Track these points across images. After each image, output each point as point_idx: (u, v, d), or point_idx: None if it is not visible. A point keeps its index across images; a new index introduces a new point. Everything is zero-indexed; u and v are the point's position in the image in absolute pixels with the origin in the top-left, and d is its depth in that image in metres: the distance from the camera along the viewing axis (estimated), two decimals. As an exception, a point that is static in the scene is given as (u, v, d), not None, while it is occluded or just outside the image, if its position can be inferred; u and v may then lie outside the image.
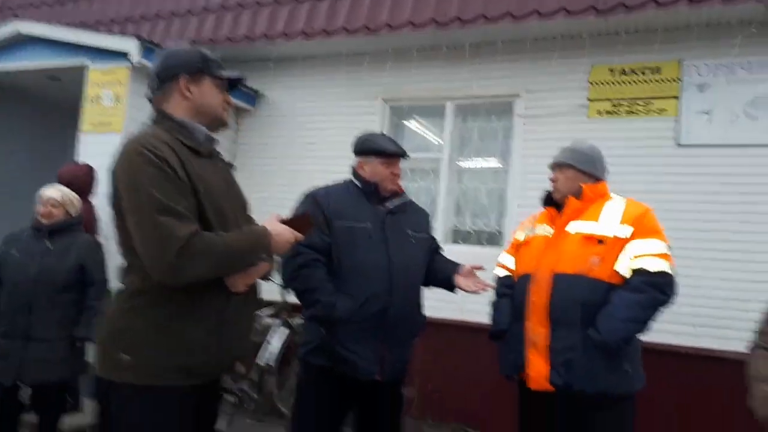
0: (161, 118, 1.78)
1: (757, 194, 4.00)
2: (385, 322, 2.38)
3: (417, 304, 2.56)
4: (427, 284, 2.64)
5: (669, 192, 4.14)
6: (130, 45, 4.68)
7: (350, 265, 2.39)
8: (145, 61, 4.62)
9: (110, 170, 1.69)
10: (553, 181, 2.57)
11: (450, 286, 2.61)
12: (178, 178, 1.62)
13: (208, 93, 1.82)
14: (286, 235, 1.79)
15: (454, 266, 2.63)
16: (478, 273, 2.59)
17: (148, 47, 4.70)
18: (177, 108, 1.78)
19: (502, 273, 2.73)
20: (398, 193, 2.60)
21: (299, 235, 1.83)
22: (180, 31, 5.77)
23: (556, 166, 2.56)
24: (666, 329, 3.76)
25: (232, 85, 1.93)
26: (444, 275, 2.61)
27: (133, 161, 1.61)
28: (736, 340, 3.67)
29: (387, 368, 2.41)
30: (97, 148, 4.47)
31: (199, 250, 1.58)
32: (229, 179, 1.90)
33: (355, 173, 2.61)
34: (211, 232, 1.65)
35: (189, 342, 1.65)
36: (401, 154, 2.57)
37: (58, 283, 3.15)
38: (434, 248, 2.74)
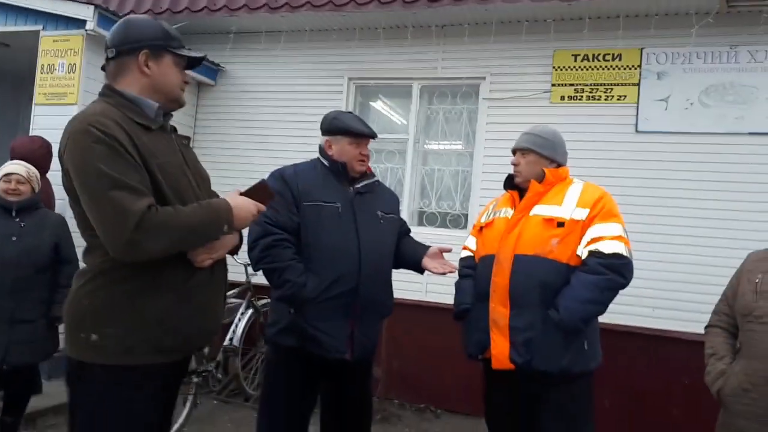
0: (110, 92, 1.71)
1: (708, 181, 4.16)
2: (355, 302, 2.37)
3: (386, 285, 2.56)
4: (396, 266, 2.64)
5: (628, 177, 4.27)
6: (86, 12, 4.47)
7: (319, 245, 2.37)
8: (101, 30, 4.43)
9: (58, 151, 1.63)
10: (514, 165, 2.59)
11: (419, 269, 2.62)
12: (128, 153, 1.56)
13: (167, 71, 1.75)
14: (248, 206, 1.75)
15: (423, 249, 2.64)
16: (446, 255, 2.61)
17: (105, 15, 4.51)
18: (132, 83, 1.71)
19: (465, 254, 2.75)
20: (367, 173, 2.58)
21: (261, 206, 1.78)
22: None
23: (518, 151, 2.58)
24: (624, 311, 3.91)
25: (191, 65, 1.86)
26: (413, 258, 2.62)
27: (80, 140, 1.55)
28: (691, 322, 3.85)
29: (356, 348, 2.41)
30: (52, 120, 4.30)
31: (156, 223, 1.53)
32: (187, 154, 1.84)
33: (322, 152, 2.56)
34: (168, 206, 1.61)
35: (150, 318, 1.62)
36: (370, 135, 2.53)
37: (37, 262, 3.07)
38: (404, 231, 2.75)
